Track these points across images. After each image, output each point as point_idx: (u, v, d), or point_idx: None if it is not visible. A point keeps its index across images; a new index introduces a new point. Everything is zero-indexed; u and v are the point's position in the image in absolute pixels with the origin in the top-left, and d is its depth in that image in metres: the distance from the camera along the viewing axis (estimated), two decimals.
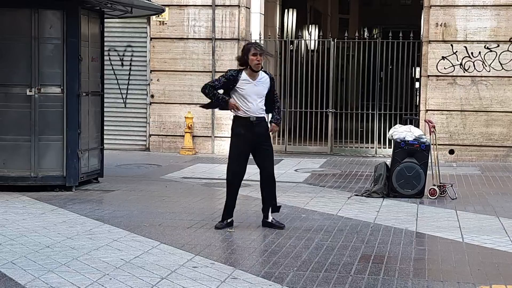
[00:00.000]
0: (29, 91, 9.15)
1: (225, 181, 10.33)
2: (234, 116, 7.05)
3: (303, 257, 5.99)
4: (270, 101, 7.10)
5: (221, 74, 7.24)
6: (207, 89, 7.03)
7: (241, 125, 6.99)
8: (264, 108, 7.06)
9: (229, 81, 6.93)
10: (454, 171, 11.70)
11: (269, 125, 7.15)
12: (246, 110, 6.95)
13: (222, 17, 13.73)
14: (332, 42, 14.13)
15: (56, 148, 9.29)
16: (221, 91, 7.06)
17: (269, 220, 7.16)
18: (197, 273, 5.46)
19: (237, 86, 6.91)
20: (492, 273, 5.62)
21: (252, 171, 11.46)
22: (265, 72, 7.15)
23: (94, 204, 8.43)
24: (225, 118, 13.80)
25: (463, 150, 13.09)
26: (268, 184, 7.18)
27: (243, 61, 6.95)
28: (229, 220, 7.19)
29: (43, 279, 5.27)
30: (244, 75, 6.94)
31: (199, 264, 5.74)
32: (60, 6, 9.23)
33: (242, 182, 10.19)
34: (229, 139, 7.24)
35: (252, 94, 6.93)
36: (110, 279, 5.28)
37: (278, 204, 7.27)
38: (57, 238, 6.58)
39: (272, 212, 7.19)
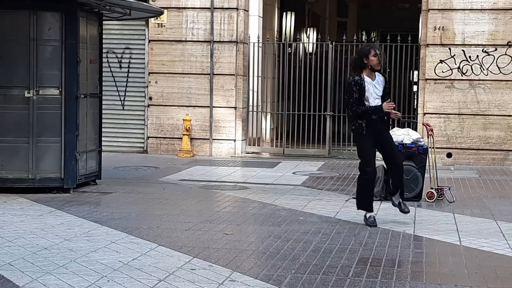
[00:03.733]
0: (28, 92, 9.15)
1: (223, 183, 10.42)
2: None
3: (301, 260, 5.99)
4: (383, 99, 7.45)
5: (350, 86, 7.38)
6: (355, 113, 7.37)
7: (364, 122, 7.35)
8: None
9: (360, 86, 7.31)
10: (451, 175, 11.71)
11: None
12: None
13: (220, 20, 13.74)
14: (330, 45, 14.14)
15: (54, 150, 9.29)
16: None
17: (397, 202, 7.58)
18: (195, 276, 5.46)
19: (366, 86, 7.31)
20: (489, 276, 5.63)
21: (250, 174, 11.51)
22: (380, 73, 7.53)
23: (92, 206, 8.43)
24: (223, 121, 13.83)
25: (460, 153, 13.10)
26: (395, 172, 7.56)
27: (358, 63, 7.38)
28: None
29: (41, 281, 5.27)
30: (365, 77, 7.35)
31: (197, 266, 5.74)
32: (59, 8, 9.23)
33: (240, 184, 10.21)
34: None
35: (373, 93, 7.35)
36: (108, 281, 5.29)
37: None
38: (54, 240, 6.58)
39: (399, 195, 7.59)
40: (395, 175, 7.61)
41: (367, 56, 7.30)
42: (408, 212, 7.64)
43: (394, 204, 7.66)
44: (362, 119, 7.36)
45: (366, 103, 7.32)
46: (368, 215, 7.47)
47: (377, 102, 7.37)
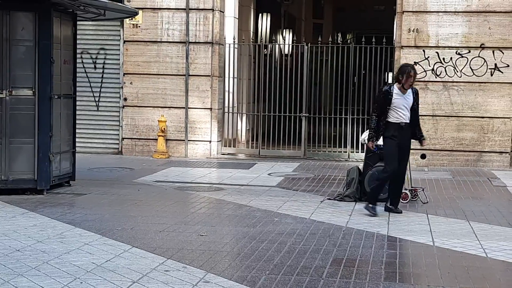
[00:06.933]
0: (0, 93, 9.06)
1: (198, 184, 10.40)
2: (386, 121, 8.22)
3: (275, 261, 6.00)
4: (414, 113, 8.32)
5: (379, 93, 8.45)
6: (372, 123, 8.33)
7: (393, 128, 8.20)
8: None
9: (386, 95, 8.20)
10: (425, 176, 11.80)
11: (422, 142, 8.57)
12: (397, 118, 8.18)
13: (196, 21, 13.71)
14: (306, 47, 14.18)
15: (28, 151, 9.20)
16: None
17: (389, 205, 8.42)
18: (169, 277, 5.45)
19: (392, 99, 8.18)
20: (461, 276, 5.68)
21: (225, 175, 11.50)
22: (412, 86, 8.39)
23: (65, 208, 8.36)
24: (199, 122, 13.80)
25: (434, 154, 13.21)
26: (396, 180, 8.34)
27: (396, 77, 8.30)
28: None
29: (13, 283, 5.21)
30: (396, 90, 8.22)
31: (171, 267, 5.72)
32: (32, 8, 9.15)
33: (216, 186, 10.17)
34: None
35: (402, 105, 8.19)
36: (81, 283, 5.25)
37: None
38: (27, 241, 6.52)
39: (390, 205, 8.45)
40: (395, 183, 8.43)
41: (403, 75, 8.18)
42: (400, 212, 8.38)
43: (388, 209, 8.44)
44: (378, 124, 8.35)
45: (393, 112, 8.18)
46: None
47: (406, 112, 8.20)
